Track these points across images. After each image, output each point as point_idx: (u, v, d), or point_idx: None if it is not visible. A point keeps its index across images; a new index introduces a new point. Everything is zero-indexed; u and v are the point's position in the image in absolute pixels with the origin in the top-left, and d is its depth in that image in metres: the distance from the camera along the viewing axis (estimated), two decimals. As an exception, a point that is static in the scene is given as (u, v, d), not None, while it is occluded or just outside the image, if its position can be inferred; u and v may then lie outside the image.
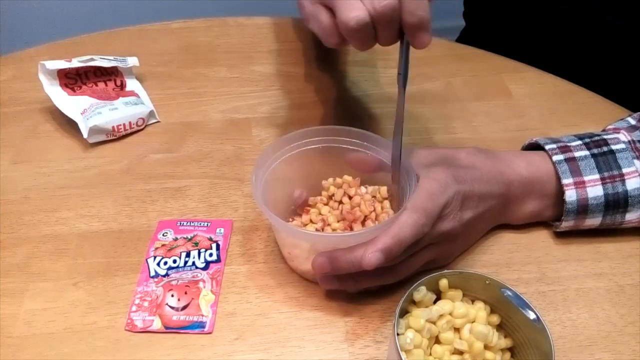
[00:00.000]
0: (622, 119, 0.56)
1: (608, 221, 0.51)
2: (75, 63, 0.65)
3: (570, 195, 0.49)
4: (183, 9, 1.38)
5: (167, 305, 0.48)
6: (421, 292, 0.41)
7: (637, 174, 0.49)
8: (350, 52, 0.76)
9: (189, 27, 0.81)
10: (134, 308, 0.48)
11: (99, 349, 0.45)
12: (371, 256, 0.42)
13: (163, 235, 0.53)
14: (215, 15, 0.82)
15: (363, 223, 0.49)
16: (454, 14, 0.97)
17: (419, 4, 0.40)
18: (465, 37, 0.91)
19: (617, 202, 0.49)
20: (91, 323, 0.47)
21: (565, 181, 0.50)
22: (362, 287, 0.47)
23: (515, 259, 0.52)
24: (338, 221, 0.49)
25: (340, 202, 0.51)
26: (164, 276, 0.50)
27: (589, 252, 0.52)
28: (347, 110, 0.67)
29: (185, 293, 0.49)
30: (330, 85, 0.71)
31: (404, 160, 0.47)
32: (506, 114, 0.67)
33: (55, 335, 0.46)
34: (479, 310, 0.42)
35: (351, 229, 0.49)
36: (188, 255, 0.51)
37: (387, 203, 0.51)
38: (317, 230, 0.49)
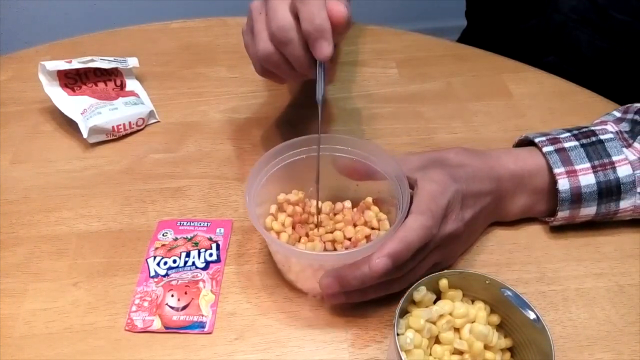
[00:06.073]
0: (608, 113, 0.57)
1: (603, 210, 0.51)
2: (75, 64, 0.65)
3: (563, 184, 0.50)
4: (183, 9, 1.38)
5: (167, 305, 0.48)
6: (421, 292, 0.41)
7: (627, 162, 0.50)
8: (350, 52, 0.76)
9: (189, 27, 0.81)
10: (134, 308, 0.48)
11: (99, 349, 0.45)
12: (378, 262, 0.41)
13: (163, 235, 0.53)
14: (215, 15, 0.82)
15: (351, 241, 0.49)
16: (455, 14, 0.97)
17: (315, 12, 0.41)
18: (467, 37, 0.91)
19: (610, 190, 0.50)
20: (91, 323, 0.47)
21: (556, 170, 0.50)
22: (369, 298, 0.46)
23: (515, 259, 0.52)
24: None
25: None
26: (164, 276, 0.50)
27: (589, 252, 0.52)
28: (347, 110, 0.67)
29: (185, 293, 0.49)
30: (330, 85, 0.71)
31: (396, 167, 0.48)
32: (506, 114, 0.67)
33: (55, 335, 0.46)
34: (479, 310, 0.42)
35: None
36: (188, 255, 0.51)
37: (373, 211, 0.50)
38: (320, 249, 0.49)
